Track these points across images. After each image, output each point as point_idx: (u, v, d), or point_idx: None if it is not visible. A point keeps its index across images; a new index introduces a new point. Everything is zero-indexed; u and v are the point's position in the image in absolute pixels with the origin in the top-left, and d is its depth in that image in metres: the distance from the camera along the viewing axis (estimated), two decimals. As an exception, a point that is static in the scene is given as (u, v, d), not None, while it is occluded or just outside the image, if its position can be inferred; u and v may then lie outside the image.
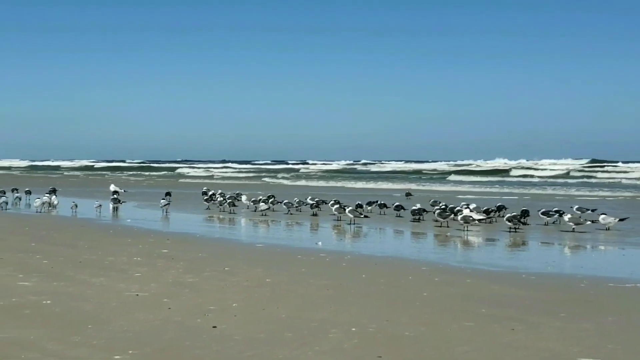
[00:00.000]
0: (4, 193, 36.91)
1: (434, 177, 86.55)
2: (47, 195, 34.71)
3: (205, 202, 34.96)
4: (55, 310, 10.91)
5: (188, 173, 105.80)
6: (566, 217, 25.42)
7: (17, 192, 38.65)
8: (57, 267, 15.13)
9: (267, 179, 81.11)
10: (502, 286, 13.94)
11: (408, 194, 44.37)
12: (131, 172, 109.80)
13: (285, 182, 76.05)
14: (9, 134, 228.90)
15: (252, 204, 33.69)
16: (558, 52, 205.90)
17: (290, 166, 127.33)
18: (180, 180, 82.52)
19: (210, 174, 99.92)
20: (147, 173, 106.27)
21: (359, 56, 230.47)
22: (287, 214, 31.07)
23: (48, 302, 11.45)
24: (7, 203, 33.67)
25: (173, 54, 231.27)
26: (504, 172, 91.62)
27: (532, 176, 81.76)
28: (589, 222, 24.86)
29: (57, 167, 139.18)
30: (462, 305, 11.97)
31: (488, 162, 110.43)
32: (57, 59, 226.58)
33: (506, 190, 55.87)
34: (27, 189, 40.59)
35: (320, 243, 20.67)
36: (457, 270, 16.09)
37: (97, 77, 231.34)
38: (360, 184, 67.37)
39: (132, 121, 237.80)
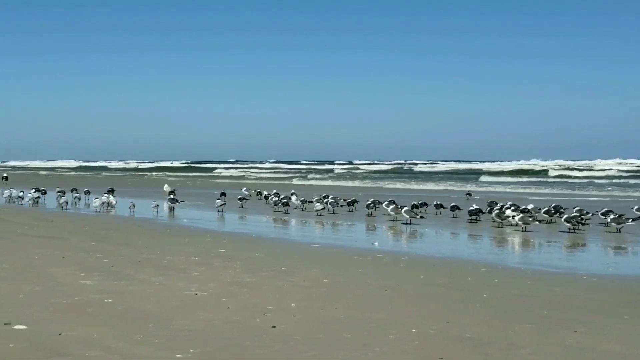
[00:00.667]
0: (64, 193, 37.62)
1: (477, 176, 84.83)
2: (106, 195, 35.27)
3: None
4: (117, 308, 11.03)
5: (220, 173, 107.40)
6: (609, 218, 24.87)
7: (77, 192, 39.33)
8: (117, 266, 15.31)
9: (296, 180, 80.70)
10: (563, 288, 13.70)
11: (469, 194, 43.95)
12: (176, 173, 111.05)
13: (315, 182, 75.62)
14: (60, 135, 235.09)
15: (301, 203, 33.80)
16: (602, 52, 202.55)
17: (334, 166, 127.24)
18: (216, 180, 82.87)
19: (242, 174, 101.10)
20: (191, 174, 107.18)
21: (403, 57, 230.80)
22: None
23: (110, 300, 11.59)
24: (67, 203, 34.31)
25: (218, 54, 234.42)
26: (565, 173, 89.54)
27: (592, 177, 79.74)
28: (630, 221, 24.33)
29: (105, 167, 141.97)
30: (523, 306, 11.79)
31: (548, 162, 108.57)
32: (106, 60, 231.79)
33: (568, 191, 54.88)
34: (86, 189, 41.31)
35: (376, 243, 20.58)
36: (517, 272, 15.86)
37: (142, 78, 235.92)
38: (412, 185, 66.85)
39: (176, 122, 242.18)
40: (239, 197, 37.14)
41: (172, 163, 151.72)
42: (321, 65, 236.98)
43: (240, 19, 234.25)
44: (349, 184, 70.97)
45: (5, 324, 9.81)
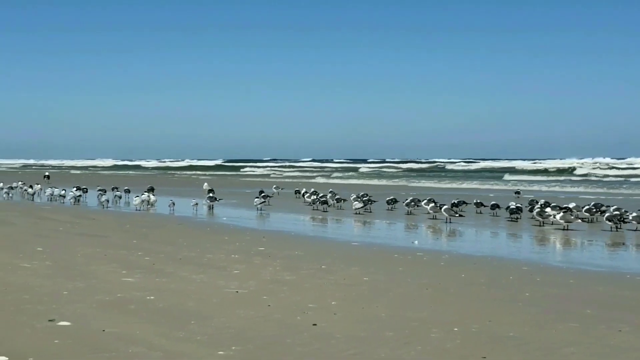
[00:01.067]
0: (105, 192, 38.03)
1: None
2: (146, 193, 35.60)
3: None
4: (158, 305, 11.10)
5: (251, 171, 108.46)
6: (631, 216, 24.45)
7: (117, 191, 39.74)
8: (158, 263, 15.43)
9: (320, 178, 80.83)
10: (606, 287, 13.52)
11: (517, 193, 43.59)
12: (205, 172, 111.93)
13: (338, 181, 75.38)
14: (95, 134, 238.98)
15: (336, 202, 33.79)
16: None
17: (363, 165, 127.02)
18: (242, 179, 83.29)
19: (269, 173, 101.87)
20: (221, 172, 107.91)
21: (436, 56, 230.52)
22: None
23: (152, 297, 11.67)
24: (108, 201, 34.71)
25: (250, 53, 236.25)
26: (594, 172, 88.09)
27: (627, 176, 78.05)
28: None
29: (138, 166, 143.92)
30: (566, 305, 11.65)
31: (586, 159, 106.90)
32: (135, 60, 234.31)
33: (602, 189, 54.15)
34: (126, 188, 41.71)
35: (416, 242, 20.49)
36: (559, 270, 15.68)
37: (173, 77, 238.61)
38: (444, 184, 66.21)
39: (208, 121, 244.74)
40: (263, 195, 36.94)
41: (199, 161, 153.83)
42: (354, 64, 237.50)
43: (273, 19, 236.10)
44: (374, 182, 70.66)
45: (49, 320, 9.93)
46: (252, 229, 24.06)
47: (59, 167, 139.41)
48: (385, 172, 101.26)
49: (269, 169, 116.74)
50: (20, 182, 46.74)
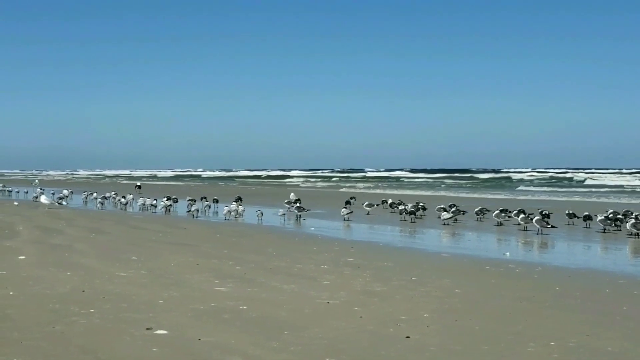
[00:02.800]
0: (195, 201, 38.70)
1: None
2: (234, 203, 36.08)
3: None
4: (251, 315, 11.20)
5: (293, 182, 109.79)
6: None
7: (206, 201, 40.42)
8: (249, 273, 15.58)
9: (344, 189, 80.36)
10: None
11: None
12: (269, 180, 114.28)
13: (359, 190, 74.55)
14: (157, 146, 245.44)
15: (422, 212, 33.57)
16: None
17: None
18: (288, 188, 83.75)
19: (296, 183, 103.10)
20: (267, 180, 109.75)
21: (470, 62, 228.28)
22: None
23: (244, 307, 11.78)
24: (198, 211, 35.31)
25: (312, 62, 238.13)
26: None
27: None
28: None
29: (199, 176, 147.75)
30: (669, 321, 11.24)
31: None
32: (207, 69, 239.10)
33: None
34: (215, 198, 42.34)
35: (508, 254, 20.10)
36: (659, 284, 15.15)
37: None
38: (514, 195, 64.94)
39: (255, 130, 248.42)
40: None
41: (244, 171, 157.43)
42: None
43: (337, 28, 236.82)
44: (441, 193, 69.70)
45: (147, 328, 10.14)
46: (340, 239, 24.06)
47: (128, 177, 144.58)
48: (446, 182, 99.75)
49: (303, 179, 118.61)
50: (113, 192, 48.00)
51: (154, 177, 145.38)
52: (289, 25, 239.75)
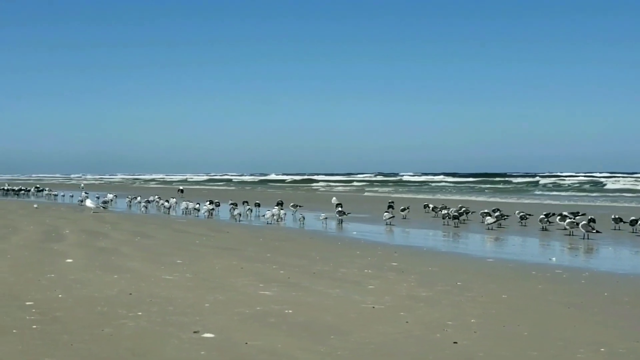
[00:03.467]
0: (237, 205, 38.90)
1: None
2: (276, 207, 36.20)
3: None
4: (297, 319, 11.20)
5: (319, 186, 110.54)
6: None
7: (248, 205, 40.61)
8: (293, 277, 15.59)
9: (368, 193, 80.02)
10: None
11: None
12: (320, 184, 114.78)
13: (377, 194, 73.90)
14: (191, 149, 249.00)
15: (465, 216, 33.25)
16: None
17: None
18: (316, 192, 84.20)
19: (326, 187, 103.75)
20: (295, 185, 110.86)
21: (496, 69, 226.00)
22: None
23: (290, 311, 11.79)
24: (240, 215, 35.47)
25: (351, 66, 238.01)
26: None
27: None
28: None
29: (230, 180, 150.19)
30: None
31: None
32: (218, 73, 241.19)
33: None
34: (256, 202, 42.50)
35: (554, 259, 19.86)
36: None
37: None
38: (548, 199, 63.97)
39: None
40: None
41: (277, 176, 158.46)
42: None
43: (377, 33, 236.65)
44: (414, 195, 69.20)
45: (194, 332, 10.19)
46: (383, 244, 23.99)
47: (163, 181, 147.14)
48: (479, 187, 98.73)
49: (327, 183, 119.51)
50: (156, 196, 48.42)
51: (185, 181, 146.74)
52: (318, 31, 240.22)
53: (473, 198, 62.75)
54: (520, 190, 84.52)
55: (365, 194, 78.98)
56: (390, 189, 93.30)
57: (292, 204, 41.02)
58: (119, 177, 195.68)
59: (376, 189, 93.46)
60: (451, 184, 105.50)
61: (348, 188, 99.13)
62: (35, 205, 46.07)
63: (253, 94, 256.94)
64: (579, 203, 52.49)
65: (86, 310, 11.62)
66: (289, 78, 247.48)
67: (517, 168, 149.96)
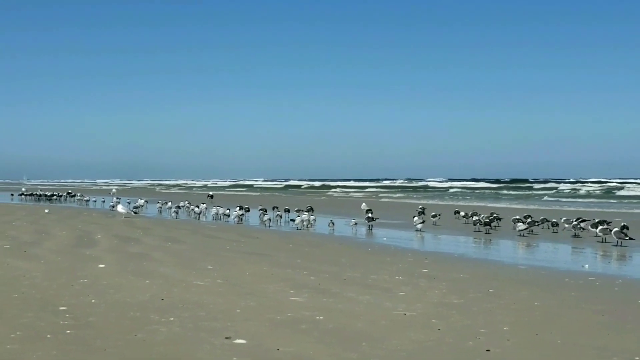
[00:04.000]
0: (266, 211, 39.01)
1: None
2: (306, 213, 36.23)
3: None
4: (328, 326, 11.18)
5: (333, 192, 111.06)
6: None
7: (277, 210, 40.71)
8: (323, 283, 15.57)
9: (385, 199, 79.93)
10: None
11: None
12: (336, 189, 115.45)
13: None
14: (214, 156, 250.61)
15: (497, 222, 33.00)
16: None
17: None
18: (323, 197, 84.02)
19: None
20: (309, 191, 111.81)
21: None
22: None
23: (321, 318, 11.78)
24: (270, 220, 35.56)
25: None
26: None
27: None
28: None
29: (251, 186, 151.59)
30: None
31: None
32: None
33: None
34: (286, 207, 42.60)
35: (586, 266, 19.67)
36: None
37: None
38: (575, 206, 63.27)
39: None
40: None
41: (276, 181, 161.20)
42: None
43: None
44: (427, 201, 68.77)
45: (226, 337, 10.22)
46: (413, 250, 23.91)
47: (186, 186, 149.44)
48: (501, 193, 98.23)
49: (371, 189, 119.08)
50: (186, 202, 48.70)
51: (205, 187, 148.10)
52: (342, 37, 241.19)
53: (492, 205, 62.25)
54: (537, 196, 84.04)
55: (382, 200, 78.71)
56: (402, 194, 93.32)
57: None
58: (144, 182, 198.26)
59: (392, 194, 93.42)
60: (468, 191, 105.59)
61: (361, 194, 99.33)
62: (46, 210, 46.48)
63: (277, 99, 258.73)
64: (604, 210, 51.85)
65: (119, 315, 11.71)
66: (312, 84, 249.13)
67: (535, 174, 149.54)
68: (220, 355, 9.29)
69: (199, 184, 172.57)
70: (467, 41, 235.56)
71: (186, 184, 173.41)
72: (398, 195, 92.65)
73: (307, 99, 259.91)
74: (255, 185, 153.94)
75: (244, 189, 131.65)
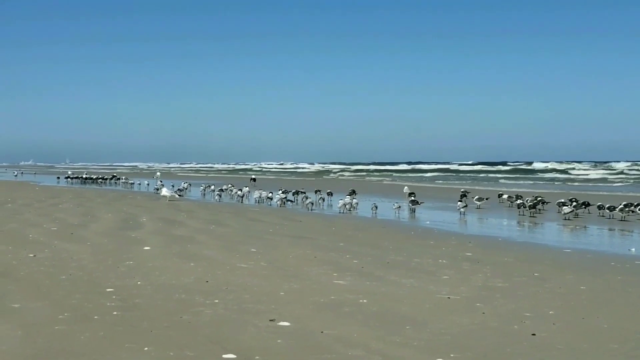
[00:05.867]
0: (307, 195, 39.08)
1: None
2: (349, 196, 36.21)
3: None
4: (372, 309, 11.19)
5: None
6: None
7: (320, 194, 40.76)
8: (366, 267, 15.57)
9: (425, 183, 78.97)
10: None
11: None
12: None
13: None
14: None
15: (542, 205, 32.63)
16: None
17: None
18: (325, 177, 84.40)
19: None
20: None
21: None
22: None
23: (364, 301, 11.79)
24: (312, 204, 35.62)
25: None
26: None
27: None
28: None
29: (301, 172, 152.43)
30: None
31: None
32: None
33: None
34: (328, 191, 42.61)
35: (633, 249, 19.39)
36: None
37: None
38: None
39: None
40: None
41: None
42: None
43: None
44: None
45: (270, 320, 10.29)
46: (456, 234, 23.78)
47: (231, 169, 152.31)
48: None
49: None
50: (230, 185, 48.96)
51: (251, 170, 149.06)
52: (387, 25, 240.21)
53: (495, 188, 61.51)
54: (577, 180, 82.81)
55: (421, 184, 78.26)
56: (442, 181, 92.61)
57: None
58: (189, 165, 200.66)
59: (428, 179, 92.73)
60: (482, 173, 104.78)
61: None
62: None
63: (325, 85, 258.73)
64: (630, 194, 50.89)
65: (164, 297, 11.85)
66: (363, 70, 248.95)
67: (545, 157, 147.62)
68: (264, 337, 9.36)
69: (243, 167, 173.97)
70: (487, 28, 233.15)
71: (231, 167, 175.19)
72: (438, 181, 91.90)
73: (358, 85, 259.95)
74: (298, 171, 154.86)
75: (286, 174, 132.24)
